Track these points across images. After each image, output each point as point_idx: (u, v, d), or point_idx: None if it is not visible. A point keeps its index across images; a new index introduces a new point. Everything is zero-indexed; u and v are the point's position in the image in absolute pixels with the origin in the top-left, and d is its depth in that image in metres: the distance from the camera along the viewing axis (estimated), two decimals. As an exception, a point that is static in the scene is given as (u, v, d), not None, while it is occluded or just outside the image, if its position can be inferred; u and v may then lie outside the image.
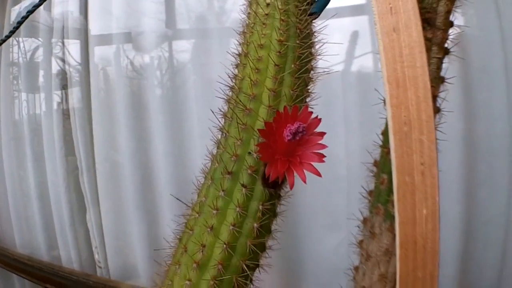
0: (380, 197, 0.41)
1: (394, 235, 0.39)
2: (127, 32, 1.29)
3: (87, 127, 1.35)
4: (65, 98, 1.40)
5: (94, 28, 1.32)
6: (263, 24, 0.36)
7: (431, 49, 0.41)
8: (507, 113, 0.92)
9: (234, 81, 0.37)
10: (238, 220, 0.32)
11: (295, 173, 0.29)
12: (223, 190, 0.32)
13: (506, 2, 0.91)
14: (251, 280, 0.33)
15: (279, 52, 0.34)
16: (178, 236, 0.36)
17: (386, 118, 0.39)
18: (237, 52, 0.38)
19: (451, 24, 0.41)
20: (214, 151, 0.36)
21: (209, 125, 1.02)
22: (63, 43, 1.38)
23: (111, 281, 1.33)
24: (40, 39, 1.44)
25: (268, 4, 0.36)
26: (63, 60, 1.37)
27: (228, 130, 0.35)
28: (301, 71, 0.35)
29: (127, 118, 1.27)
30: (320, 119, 0.30)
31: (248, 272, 0.32)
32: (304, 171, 0.30)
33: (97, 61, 1.34)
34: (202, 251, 0.31)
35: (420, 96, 0.34)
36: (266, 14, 0.36)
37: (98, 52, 1.34)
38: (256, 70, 0.34)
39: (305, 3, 0.37)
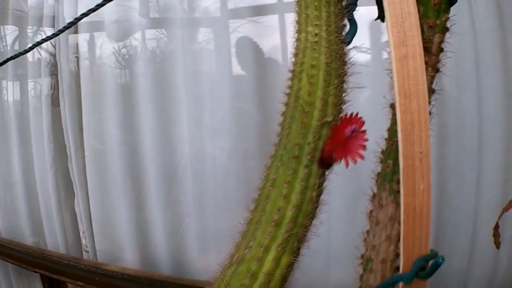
0: (386, 177, 0.58)
1: (397, 206, 0.55)
2: (115, 20, 1.41)
3: (76, 115, 1.48)
4: (54, 86, 1.53)
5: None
6: (313, 49, 0.53)
7: (427, 69, 0.59)
8: (476, 109, 1.10)
9: (290, 90, 0.54)
10: (302, 190, 0.48)
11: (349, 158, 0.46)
12: (291, 169, 0.49)
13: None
14: (307, 233, 0.50)
15: (326, 71, 0.52)
16: (255, 203, 0.53)
17: (391, 119, 0.57)
18: (291, 69, 0.55)
19: (442, 50, 0.59)
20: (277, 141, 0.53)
21: (197, 113, 1.18)
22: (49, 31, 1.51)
23: (102, 263, 1.47)
24: (29, 27, 1.56)
25: (316, 34, 0.54)
26: (54, 47, 1.50)
27: (290, 127, 0.51)
28: (341, 85, 0.53)
29: (115, 106, 1.41)
30: (364, 122, 0.47)
31: (309, 227, 0.49)
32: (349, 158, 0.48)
33: (85, 49, 1.48)
34: (278, 213, 0.48)
35: (420, 104, 0.51)
36: (315, 42, 0.53)
37: (85, 40, 1.48)
38: (310, 84, 0.51)
39: (341, 35, 0.54)
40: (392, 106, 0.55)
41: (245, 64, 1.28)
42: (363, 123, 0.48)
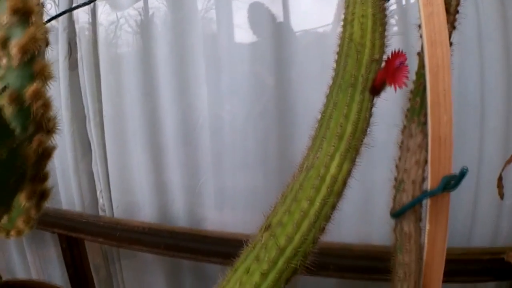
0: (415, 112, 0.73)
1: (424, 135, 0.70)
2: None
3: (94, 77, 1.60)
4: (71, 51, 1.66)
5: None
6: (362, 3, 0.70)
7: (447, 25, 0.76)
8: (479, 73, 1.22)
9: (343, 34, 0.71)
10: (358, 111, 0.64)
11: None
12: (349, 94, 0.66)
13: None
14: (361, 146, 0.67)
15: (373, 20, 0.69)
16: (318, 123, 0.69)
17: (418, 64, 0.74)
18: (343, 18, 0.72)
19: (457, 12, 0.76)
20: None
21: (214, 76, 1.33)
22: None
23: (122, 219, 1.60)
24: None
25: None
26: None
27: (346, 62, 0.67)
28: (383, 32, 0.70)
29: (134, 68, 1.52)
30: (406, 57, 0.65)
31: (363, 141, 0.66)
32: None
33: (102, 13, 1.59)
34: (340, 128, 0.64)
35: (444, 51, 0.63)
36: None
37: (102, 4, 1.60)
38: (361, 29, 0.68)
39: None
40: (419, 54, 0.71)
41: (260, 30, 1.39)
42: (406, 58, 0.65)
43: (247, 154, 1.45)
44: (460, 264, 1.19)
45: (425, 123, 0.68)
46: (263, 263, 0.58)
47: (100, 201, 1.72)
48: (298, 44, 1.37)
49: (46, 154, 0.65)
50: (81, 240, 1.70)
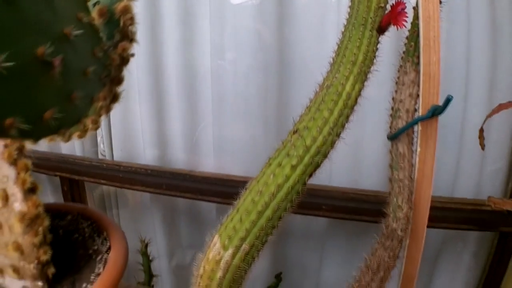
0: (409, 53, 0.87)
1: (417, 73, 0.85)
2: None
3: None
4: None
5: None
6: None
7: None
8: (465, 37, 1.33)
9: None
10: (368, 44, 0.84)
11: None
12: (361, 31, 0.86)
13: None
14: (369, 73, 0.88)
15: None
16: (336, 52, 0.89)
17: (413, 16, 0.94)
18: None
19: None
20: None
21: (219, 28, 1.53)
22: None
23: (124, 162, 1.76)
24: None
25: None
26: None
27: (358, 7, 0.88)
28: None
29: (140, 15, 1.61)
30: (406, 5, 0.88)
31: (370, 69, 0.88)
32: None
33: None
34: (354, 56, 0.84)
35: (434, 5, 0.83)
36: None
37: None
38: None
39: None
40: (414, 8, 0.89)
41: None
42: (406, 5, 0.88)
43: (246, 104, 1.61)
44: (444, 211, 1.37)
45: (417, 63, 0.89)
46: (292, 158, 0.79)
47: (101, 146, 1.89)
48: (299, 3, 1.52)
49: (126, 59, 0.86)
50: (82, 182, 1.88)
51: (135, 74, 1.71)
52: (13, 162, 0.86)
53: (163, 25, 1.65)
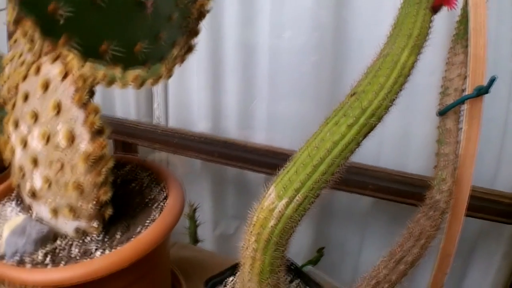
0: (459, 36, 0.93)
1: (465, 55, 0.93)
2: None
3: None
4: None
5: None
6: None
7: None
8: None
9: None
10: (423, 21, 0.87)
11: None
12: (416, 10, 0.89)
13: None
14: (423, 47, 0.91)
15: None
16: (392, 27, 0.93)
17: (463, 3, 0.98)
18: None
19: None
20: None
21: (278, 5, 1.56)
22: None
23: (179, 129, 1.80)
24: None
25: None
26: None
27: None
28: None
29: None
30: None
31: (424, 44, 0.91)
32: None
33: None
34: (409, 31, 0.88)
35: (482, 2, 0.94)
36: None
37: None
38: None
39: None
40: None
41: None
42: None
43: (300, 82, 1.64)
44: (483, 202, 1.39)
45: (466, 46, 0.94)
46: (349, 118, 0.82)
47: (156, 113, 1.93)
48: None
49: (203, 14, 0.90)
50: (135, 146, 1.93)
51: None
52: (83, 105, 0.90)
53: (225, 3, 1.68)
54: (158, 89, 1.89)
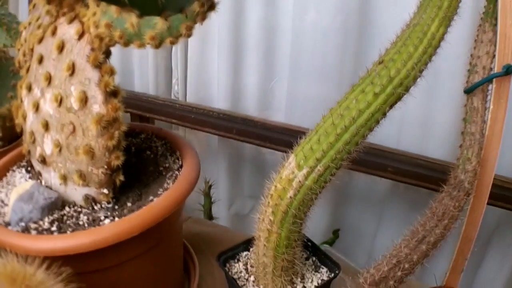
0: (488, 15, 0.91)
1: (494, 33, 0.91)
2: None
3: None
4: None
5: None
6: None
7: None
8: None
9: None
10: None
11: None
12: None
13: None
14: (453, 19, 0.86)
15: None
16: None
17: None
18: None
19: None
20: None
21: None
22: None
23: (197, 104, 1.76)
24: None
25: None
26: None
27: None
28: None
29: None
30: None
31: (453, 17, 0.85)
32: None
33: None
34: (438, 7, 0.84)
35: None
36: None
37: None
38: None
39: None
40: None
41: None
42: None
43: (323, 64, 1.60)
44: (504, 191, 1.36)
45: (495, 25, 0.92)
46: (376, 86, 0.78)
47: (175, 88, 1.90)
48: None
49: None
50: (153, 120, 1.88)
51: (217, 26, 1.71)
52: (98, 66, 0.87)
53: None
54: (178, 64, 1.85)
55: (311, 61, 1.62)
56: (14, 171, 1.08)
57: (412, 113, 1.53)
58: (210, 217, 1.69)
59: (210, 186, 1.64)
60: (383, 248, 0.92)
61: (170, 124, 1.84)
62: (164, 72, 1.94)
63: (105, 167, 0.89)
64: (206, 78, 1.84)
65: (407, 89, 0.79)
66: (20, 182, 1.02)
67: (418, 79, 0.80)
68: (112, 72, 0.87)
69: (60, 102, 0.90)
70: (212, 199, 1.68)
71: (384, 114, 0.79)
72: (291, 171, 0.81)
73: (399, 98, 0.79)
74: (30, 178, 1.03)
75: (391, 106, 0.79)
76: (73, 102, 0.88)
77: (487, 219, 1.50)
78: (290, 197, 0.81)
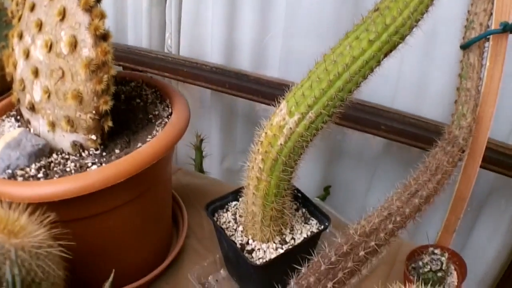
0: None
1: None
2: None
3: None
4: None
5: None
6: None
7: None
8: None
9: None
10: None
11: None
12: None
13: None
14: None
15: None
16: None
17: None
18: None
19: None
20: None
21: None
22: None
23: (190, 58, 1.73)
24: None
25: None
26: None
27: None
28: None
29: None
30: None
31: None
32: None
33: None
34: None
35: None
36: None
37: None
38: None
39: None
40: None
41: None
42: None
43: (320, 19, 1.55)
44: (498, 155, 1.32)
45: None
46: (371, 33, 0.75)
47: (168, 42, 1.85)
48: None
49: None
50: (145, 73, 1.82)
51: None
52: (88, 9, 0.85)
53: None
54: (172, 19, 1.80)
55: (307, 17, 1.58)
56: (3, 120, 1.06)
57: (408, 74, 1.50)
58: (201, 171, 1.68)
59: (201, 140, 1.62)
60: (374, 206, 0.91)
61: (163, 77, 1.79)
62: (158, 26, 1.90)
63: (94, 112, 0.88)
64: (200, 32, 1.79)
65: (402, 38, 0.76)
66: (9, 131, 1.00)
67: (414, 29, 0.77)
68: (102, 16, 0.85)
69: (50, 47, 0.88)
70: (204, 154, 1.66)
71: (379, 62, 0.77)
72: (282, 117, 0.79)
73: (394, 47, 0.76)
74: (19, 126, 1.02)
75: (385, 55, 0.77)
76: (63, 47, 0.86)
77: (481, 183, 1.48)
78: (281, 144, 0.79)
